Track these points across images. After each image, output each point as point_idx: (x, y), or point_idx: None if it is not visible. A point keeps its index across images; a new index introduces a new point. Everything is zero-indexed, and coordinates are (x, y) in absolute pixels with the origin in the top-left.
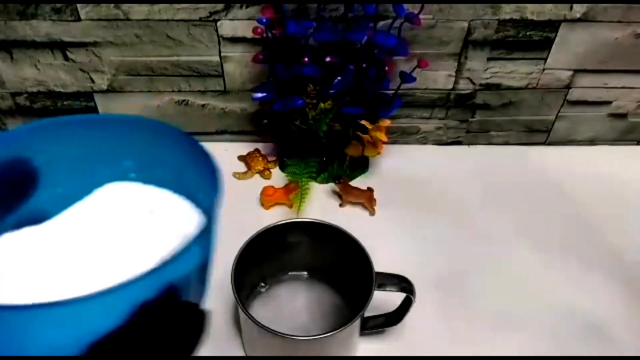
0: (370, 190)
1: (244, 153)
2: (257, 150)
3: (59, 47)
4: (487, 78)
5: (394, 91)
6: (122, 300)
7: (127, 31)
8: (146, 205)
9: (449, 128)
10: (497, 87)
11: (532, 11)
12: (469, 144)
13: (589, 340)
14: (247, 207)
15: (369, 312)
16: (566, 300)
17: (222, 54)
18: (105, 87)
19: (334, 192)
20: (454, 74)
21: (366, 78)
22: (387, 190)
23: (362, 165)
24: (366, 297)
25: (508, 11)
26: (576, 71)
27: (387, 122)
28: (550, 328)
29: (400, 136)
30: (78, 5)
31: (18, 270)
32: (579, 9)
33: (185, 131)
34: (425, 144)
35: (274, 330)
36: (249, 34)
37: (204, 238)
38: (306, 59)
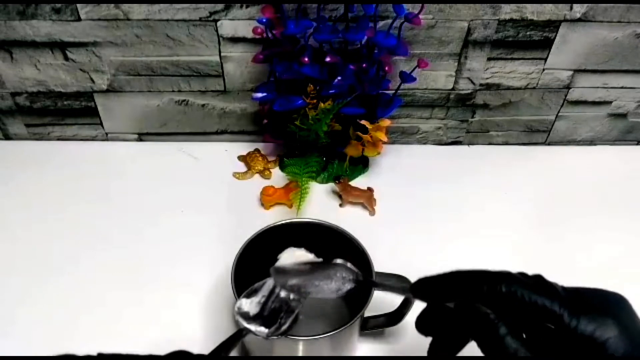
0: (370, 190)
1: (244, 153)
2: (257, 150)
3: (59, 47)
4: (487, 78)
5: (394, 91)
6: None
7: (127, 31)
8: None
9: (449, 128)
10: (497, 87)
11: (532, 11)
12: (469, 144)
13: None
14: (247, 207)
15: (369, 312)
16: None
17: (222, 54)
18: (105, 87)
19: (334, 192)
20: (454, 74)
21: (366, 78)
22: (387, 190)
23: (362, 165)
24: (366, 297)
25: (508, 11)
26: (576, 71)
27: (387, 122)
28: None
29: (400, 136)
30: (78, 5)
31: None
32: (579, 9)
33: (185, 131)
34: (425, 144)
35: None
36: (249, 34)
37: None
38: (306, 59)
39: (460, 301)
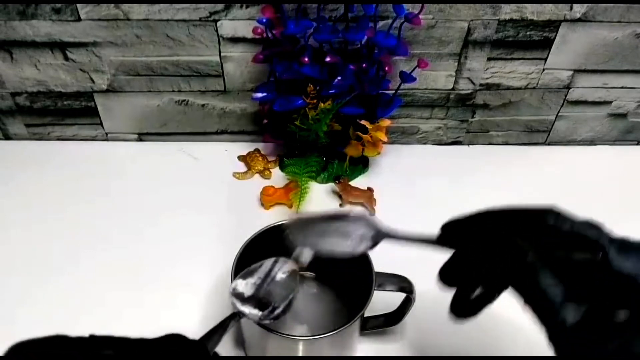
0: (370, 190)
1: (244, 153)
2: (257, 150)
3: (59, 47)
4: (487, 78)
5: (394, 91)
6: None
7: (127, 31)
8: None
9: (449, 128)
10: (497, 87)
11: (532, 11)
12: (469, 144)
13: None
14: (247, 207)
15: (369, 312)
16: None
17: (222, 54)
18: (105, 87)
19: (334, 192)
20: (454, 74)
21: (366, 78)
22: (387, 190)
23: (362, 165)
24: (366, 297)
25: (508, 11)
26: (576, 71)
27: (387, 122)
28: None
29: (400, 136)
30: (78, 5)
31: None
32: (579, 9)
33: (186, 131)
34: (425, 144)
35: (274, 330)
36: (249, 34)
37: None
38: (306, 59)
39: (494, 242)
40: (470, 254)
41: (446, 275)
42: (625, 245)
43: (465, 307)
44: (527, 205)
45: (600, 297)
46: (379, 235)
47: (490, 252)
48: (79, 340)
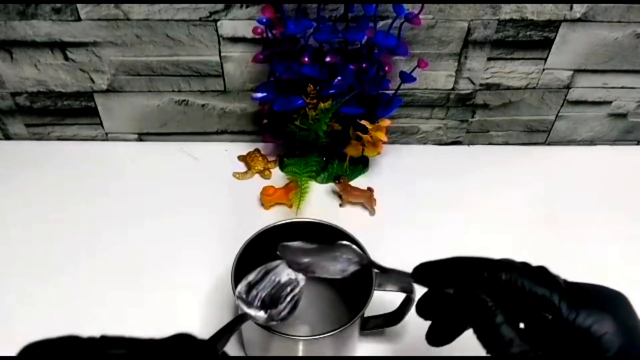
0: (370, 190)
1: (244, 153)
2: (257, 150)
3: (59, 47)
4: (487, 78)
5: (394, 91)
6: None
7: (127, 31)
8: None
9: (449, 128)
10: (497, 87)
11: (532, 11)
12: (469, 144)
13: None
14: (247, 207)
15: (369, 312)
16: None
17: (222, 54)
18: (105, 87)
19: (334, 192)
20: (454, 74)
21: (366, 78)
22: (387, 190)
23: (362, 165)
24: (366, 297)
25: (508, 11)
26: (576, 71)
27: (387, 122)
28: None
29: (400, 136)
30: (78, 5)
31: None
32: (579, 9)
33: (186, 131)
34: (425, 144)
35: (274, 330)
36: (249, 34)
37: None
38: (306, 59)
39: (459, 287)
40: (439, 296)
41: (422, 309)
42: (575, 300)
43: (438, 337)
44: (486, 258)
45: (556, 351)
46: (363, 260)
47: (455, 298)
48: (91, 340)
